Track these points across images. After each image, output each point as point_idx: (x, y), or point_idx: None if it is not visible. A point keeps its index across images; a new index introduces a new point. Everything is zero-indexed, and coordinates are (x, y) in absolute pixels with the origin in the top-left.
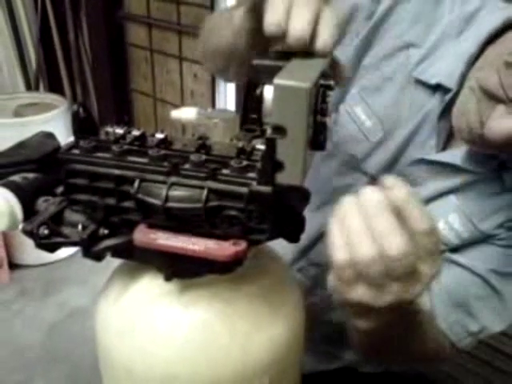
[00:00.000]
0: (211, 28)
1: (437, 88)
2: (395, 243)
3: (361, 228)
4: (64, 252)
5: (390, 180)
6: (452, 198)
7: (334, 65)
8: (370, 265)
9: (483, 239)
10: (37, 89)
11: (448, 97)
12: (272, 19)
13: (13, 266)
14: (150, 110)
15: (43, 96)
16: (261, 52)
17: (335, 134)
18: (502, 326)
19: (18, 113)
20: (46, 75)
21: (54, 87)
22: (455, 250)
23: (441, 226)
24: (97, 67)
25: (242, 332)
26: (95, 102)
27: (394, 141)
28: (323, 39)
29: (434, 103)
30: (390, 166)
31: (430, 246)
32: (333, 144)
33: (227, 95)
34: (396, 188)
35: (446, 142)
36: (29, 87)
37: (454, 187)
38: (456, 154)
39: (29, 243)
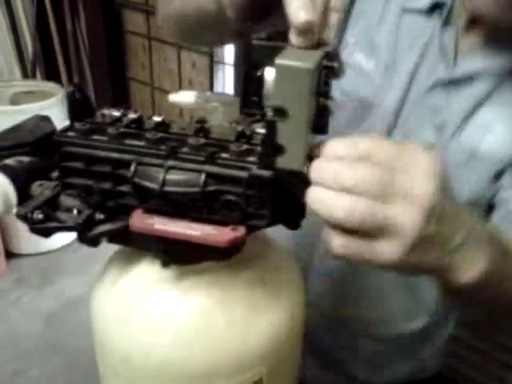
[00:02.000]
0: None
1: (432, 10)
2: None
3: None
4: (61, 241)
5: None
6: (485, 110)
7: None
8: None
9: None
10: (33, 77)
11: (445, 11)
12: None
13: (9, 255)
14: (148, 98)
15: (40, 84)
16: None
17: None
18: None
19: (14, 100)
20: (43, 63)
21: (51, 75)
22: None
23: (489, 144)
24: (94, 55)
25: (241, 319)
26: (92, 91)
27: (400, 75)
28: (328, 32)
29: (434, 24)
30: (403, 101)
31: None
32: (339, 98)
33: (225, 84)
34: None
35: (454, 59)
36: (25, 75)
37: (481, 99)
38: (469, 63)
39: (26, 232)
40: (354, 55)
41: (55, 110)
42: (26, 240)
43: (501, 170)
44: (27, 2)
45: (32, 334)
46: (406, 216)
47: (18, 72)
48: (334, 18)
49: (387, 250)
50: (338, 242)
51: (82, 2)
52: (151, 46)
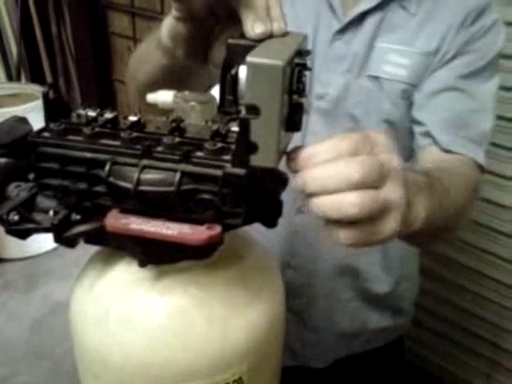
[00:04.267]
0: (140, 58)
1: None
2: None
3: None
4: (48, 245)
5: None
6: (379, 42)
7: None
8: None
9: (434, 63)
10: (18, 79)
11: None
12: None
13: None
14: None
15: (25, 87)
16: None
17: None
18: (491, 122)
19: None
20: (28, 66)
21: (36, 78)
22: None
23: (388, 69)
24: (79, 57)
25: (220, 318)
26: (78, 92)
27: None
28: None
29: None
30: (312, 59)
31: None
32: None
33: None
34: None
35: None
36: (10, 78)
37: (372, 34)
38: (355, 10)
39: (11, 237)
40: None
41: (40, 113)
42: (12, 245)
43: (406, 89)
44: (11, 5)
45: (18, 340)
46: (395, 192)
47: (2, 75)
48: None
49: (388, 225)
50: (347, 235)
51: (67, 4)
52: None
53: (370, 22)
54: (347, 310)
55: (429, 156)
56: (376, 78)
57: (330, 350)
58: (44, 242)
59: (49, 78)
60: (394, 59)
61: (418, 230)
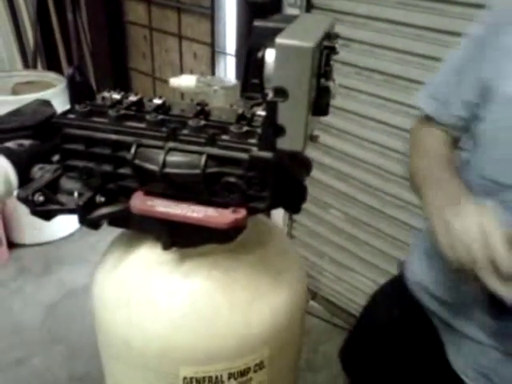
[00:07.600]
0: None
1: None
2: None
3: None
4: (63, 231)
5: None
6: None
7: None
8: None
9: None
10: (35, 67)
11: None
12: None
13: (12, 245)
14: (149, 88)
15: (41, 74)
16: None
17: None
18: None
19: (15, 91)
20: (44, 54)
21: (52, 66)
22: None
23: None
24: (95, 45)
25: (242, 301)
26: (94, 81)
27: None
28: None
29: None
30: None
31: None
32: None
33: (227, 73)
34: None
35: None
36: (27, 66)
37: None
38: None
39: (28, 222)
40: None
41: (56, 100)
42: (28, 230)
43: None
44: None
45: (34, 323)
46: None
47: (19, 62)
48: None
49: None
50: None
51: None
52: (152, 37)
53: None
54: None
55: None
56: None
57: None
58: (59, 227)
59: (64, 66)
60: None
61: None
